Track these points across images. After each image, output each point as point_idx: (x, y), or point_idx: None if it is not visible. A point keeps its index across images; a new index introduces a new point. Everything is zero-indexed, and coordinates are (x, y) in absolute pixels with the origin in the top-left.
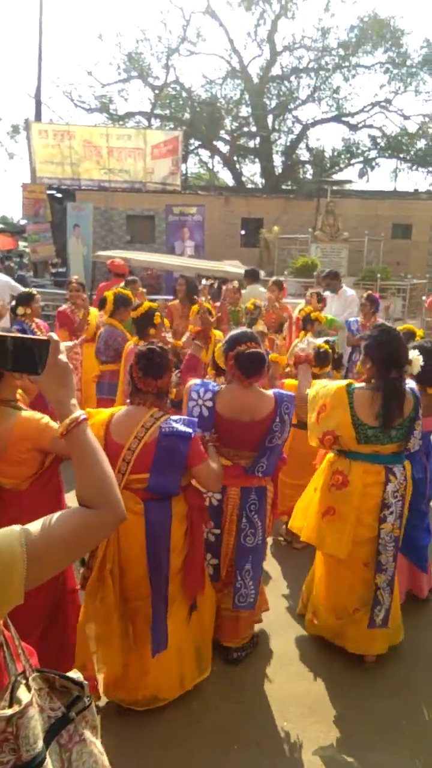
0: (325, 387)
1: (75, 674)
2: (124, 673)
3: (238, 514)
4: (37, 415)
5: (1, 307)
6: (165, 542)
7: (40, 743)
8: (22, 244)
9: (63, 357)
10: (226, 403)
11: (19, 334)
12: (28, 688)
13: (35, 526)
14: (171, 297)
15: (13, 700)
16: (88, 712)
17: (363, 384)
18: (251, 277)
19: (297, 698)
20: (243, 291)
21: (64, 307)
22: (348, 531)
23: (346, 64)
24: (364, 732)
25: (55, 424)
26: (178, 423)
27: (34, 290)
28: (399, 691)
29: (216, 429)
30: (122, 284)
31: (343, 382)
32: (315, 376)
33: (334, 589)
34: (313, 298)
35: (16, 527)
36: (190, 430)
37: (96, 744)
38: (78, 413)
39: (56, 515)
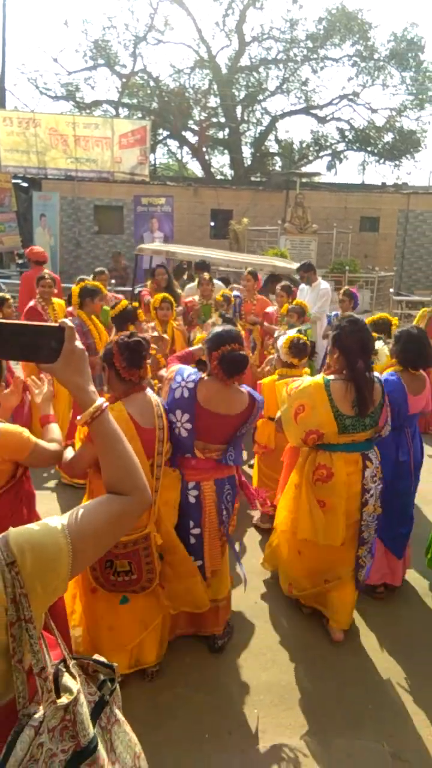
0: (298, 386)
1: (101, 658)
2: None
3: (217, 509)
4: (18, 428)
5: None
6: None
7: (92, 728)
8: None
9: (78, 343)
10: (205, 393)
11: (33, 323)
12: (72, 676)
13: (72, 518)
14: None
15: (59, 689)
16: (116, 693)
17: (334, 375)
18: (311, 271)
19: (268, 687)
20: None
21: (32, 303)
22: (341, 520)
23: (315, 56)
24: (333, 718)
25: (33, 438)
26: (159, 398)
27: (6, 294)
28: (365, 678)
29: (196, 414)
30: (91, 276)
31: (318, 378)
32: (293, 366)
33: (310, 565)
34: (282, 291)
35: (56, 521)
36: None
37: (126, 723)
38: (100, 401)
39: (90, 505)
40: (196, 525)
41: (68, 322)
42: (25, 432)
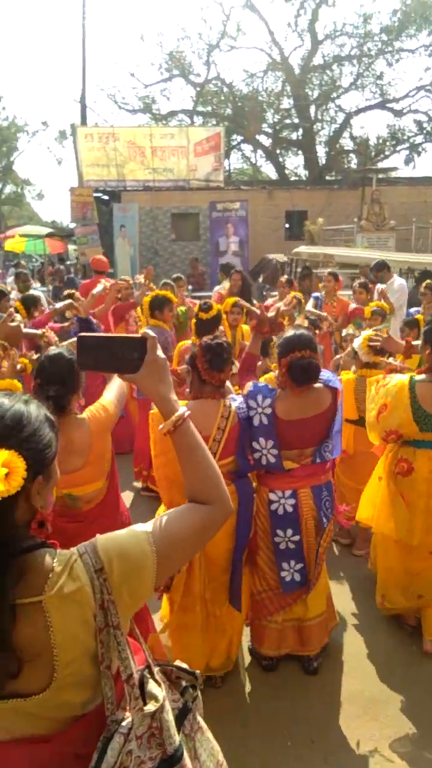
0: (385, 384)
1: (184, 665)
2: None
3: (316, 516)
4: (95, 406)
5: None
6: (250, 513)
7: (177, 735)
8: (71, 247)
9: (160, 353)
10: (283, 406)
11: (116, 335)
12: (157, 683)
13: (156, 526)
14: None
15: (145, 696)
16: (198, 700)
17: (423, 376)
18: (384, 269)
19: (352, 697)
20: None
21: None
22: (419, 518)
23: (390, 49)
24: (420, 731)
25: (103, 402)
26: (243, 405)
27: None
28: None
29: (279, 434)
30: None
31: (405, 378)
32: (372, 366)
33: (399, 576)
34: (358, 289)
35: (141, 528)
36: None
37: (208, 730)
38: (182, 409)
39: (173, 514)
40: (296, 533)
41: (150, 332)
42: (94, 406)
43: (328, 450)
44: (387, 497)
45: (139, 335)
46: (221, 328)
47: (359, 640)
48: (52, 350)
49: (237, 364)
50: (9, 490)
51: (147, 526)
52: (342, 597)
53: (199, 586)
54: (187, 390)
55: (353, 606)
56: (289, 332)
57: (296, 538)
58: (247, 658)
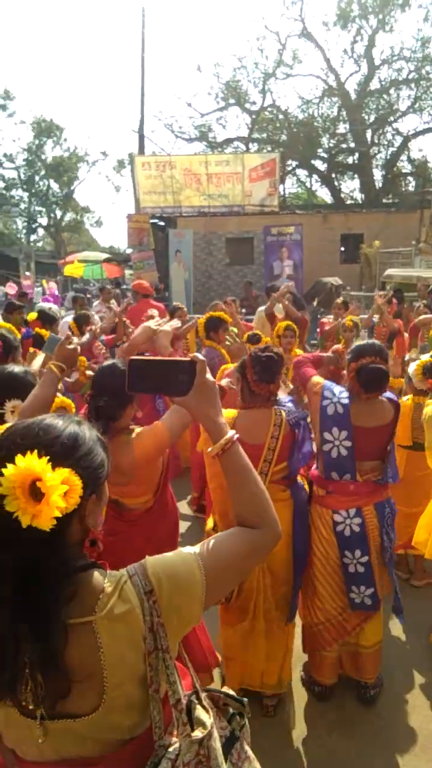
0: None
1: (231, 692)
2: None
3: (380, 532)
4: (144, 428)
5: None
6: (308, 518)
7: (225, 764)
8: (128, 272)
9: (209, 376)
10: (356, 409)
11: (166, 358)
12: (205, 709)
13: (205, 549)
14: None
15: (193, 722)
16: (245, 728)
17: None
18: None
19: (409, 733)
20: None
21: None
22: None
23: None
24: None
25: (161, 422)
26: (293, 409)
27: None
28: None
29: (351, 434)
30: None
31: None
32: (426, 393)
33: None
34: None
35: (190, 551)
36: (304, 412)
37: (255, 760)
38: (231, 433)
39: (222, 536)
40: (364, 553)
41: (200, 356)
42: (154, 426)
43: (390, 476)
44: None
45: (188, 358)
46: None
47: (416, 675)
48: (107, 362)
49: (290, 385)
50: (68, 507)
51: (196, 549)
52: (400, 630)
53: (258, 599)
54: (239, 400)
55: (412, 639)
56: (360, 342)
57: (365, 559)
58: (300, 691)
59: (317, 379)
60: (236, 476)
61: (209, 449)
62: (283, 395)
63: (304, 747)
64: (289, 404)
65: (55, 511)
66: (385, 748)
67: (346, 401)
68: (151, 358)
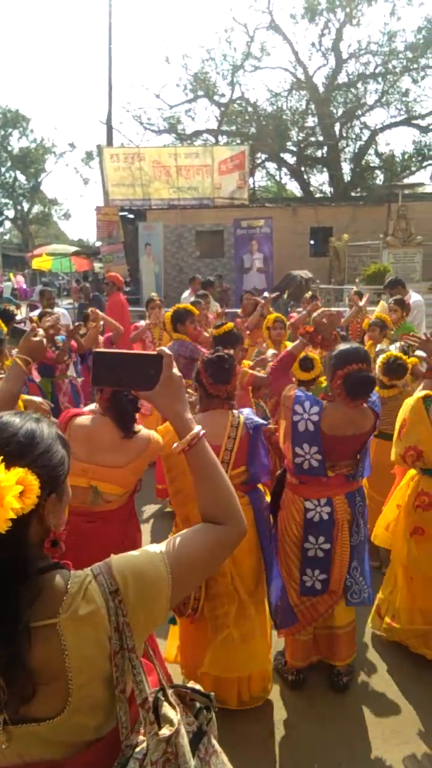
0: (406, 403)
1: (198, 687)
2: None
3: (350, 521)
4: (154, 433)
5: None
6: (268, 524)
7: (192, 760)
8: (97, 265)
9: (176, 371)
10: (330, 420)
11: (132, 352)
12: (172, 705)
13: (170, 546)
14: (239, 310)
15: (160, 720)
16: (212, 722)
17: None
18: (398, 286)
19: (380, 718)
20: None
21: (140, 323)
22: None
23: (415, 66)
24: None
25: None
26: (251, 416)
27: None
28: None
29: (322, 442)
30: (192, 299)
31: (421, 393)
32: (389, 387)
33: (421, 598)
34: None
35: (155, 549)
36: (263, 420)
37: (223, 753)
38: (198, 428)
39: (187, 534)
40: (327, 540)
41: (166, 350)
42: (157, 436)
43: (361, 474)
44: (401, 529)
45: (155, 352)
46: (264, 344)
47: (387, 660)
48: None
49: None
50: (24, 508)
51: (161, 547)
52: (366, 616)
53: (230, 607)
54: (197, 407)
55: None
56: (343, 345)
57: (326, 546)
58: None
59: (290, 392)
60: (202, 471)
61: (175, 445)
62: (247, 409)
63: (275, 736)
64: (247, 411)
65: (9, 512)
66: (355, 734)
67: (316, 418)
68: (118, 351)
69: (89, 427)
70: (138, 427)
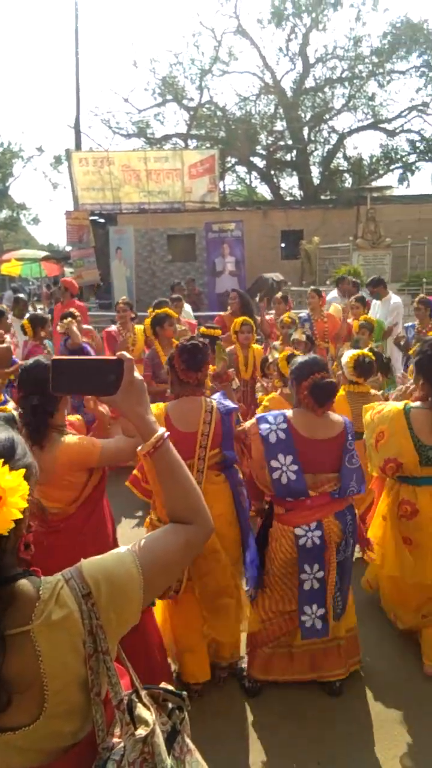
0: (380, 411)
1: (171, 687)
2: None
3: (338, 542)
4: (81, 437)
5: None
6: (245, 497)
7: (168, 759)
8: (68, 270)
9: (137, 374)
10: (301, 421)
11: (92, 357)
12: (146, 706)
13: (140, 548)
14: (213, 313)
15: (135, 721)
16: (185, 721)
17: (419, 403)
18: (380, 285)
19: (359, 717)
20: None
21: (112, 328)
22: (429, 558)
23: (381, 70)
24: (428, 752)
25: (98, 441)
26: (223, 401)
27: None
28: None
29: (298, 450)
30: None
31: (400, 405)
32: (358, 384)
33: (403, 601)
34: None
35: (126, 551)
36: (234, 405)
37: (197, 751)
38: (162, 430)
39: (155, 534)
40: (321, 568)
41: (126, 354)
42: (86, 439)
43: (355, 490)
44: (392, 540)
45: (115, 357)
46: (231, 347)
47: (366, 659)
48: (29, 361)
49: (237, 381)
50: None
51: (131, 548)
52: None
53: (208, 580)
54: (168, 391)
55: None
56: (300, 358)
57: (320, 574)
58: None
59: (248, 423)
60: (168, 473)
61: (139, 448)
62: (217, 394)
63: (252, 735)
64: (217, 395)
65: (16, 513)
66: (334, 734)
67: (285, 426)
68: (76, 357)
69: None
70: (57, 437)
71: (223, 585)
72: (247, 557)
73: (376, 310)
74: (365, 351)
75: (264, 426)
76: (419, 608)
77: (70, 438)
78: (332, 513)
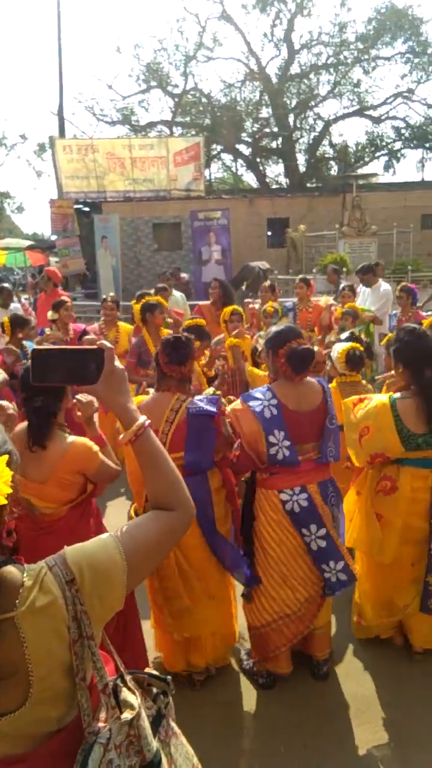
0: (365, 407)
1: (155, 672)
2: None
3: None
4: (88, 441)
5: None
6: (210, 513)
7: (154, 741)
8: (53, 259)
9: (118, 363)
10: (287, 393)
11: (72, 347)
12: (131, 690)
13: (123, 535)
14: (200, 303)
15: (120, 705)
16: (170, 705)
17: (401, 393)
18: (370, 273)
19: (344, 701)
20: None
21: (94, 325)
22: (394, 537)
23: (366, 57)
24: (411, 734)
25: (100, 454)
26: (202, 402)
27: (66, 297)
28: None
29: (288, 425)
30: (152, 291)
31: (384, 398)
32: (344, 374)
33: (382, 589)
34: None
35: (109, 537)
36: (215, 409)
37: (181, 734)
38: (143, 419)
39: (138, 521)
40: (320, 527)
41: (106, 343)
42: (95, 446)
43: (332, 455)
44: (364, 516)
45: (95, 346)
46: (221, 336)
47: (350, 644)
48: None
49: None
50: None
51: (115, 534)
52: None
53: (187, 578)
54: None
55: (342, 606)
56: (275, 327)
57: (322, 532)
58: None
59: (230, 408)
60: (149, 461)
61: (121, 436)
62: (203, 395)
63: (240, 721)
64: (204, 399)
65: (1, 498)
66: (321, 718)
67: (275, 401)
68: (57, 347)
69: (14, 437)
70: (63, 435)
71: (174, 584)
72: (228, 561)
73: (365, 297)
74: (355, 344)
75: (254, 403)
76: (387, 603)
77: (78, 438)
78: (316, 481)
